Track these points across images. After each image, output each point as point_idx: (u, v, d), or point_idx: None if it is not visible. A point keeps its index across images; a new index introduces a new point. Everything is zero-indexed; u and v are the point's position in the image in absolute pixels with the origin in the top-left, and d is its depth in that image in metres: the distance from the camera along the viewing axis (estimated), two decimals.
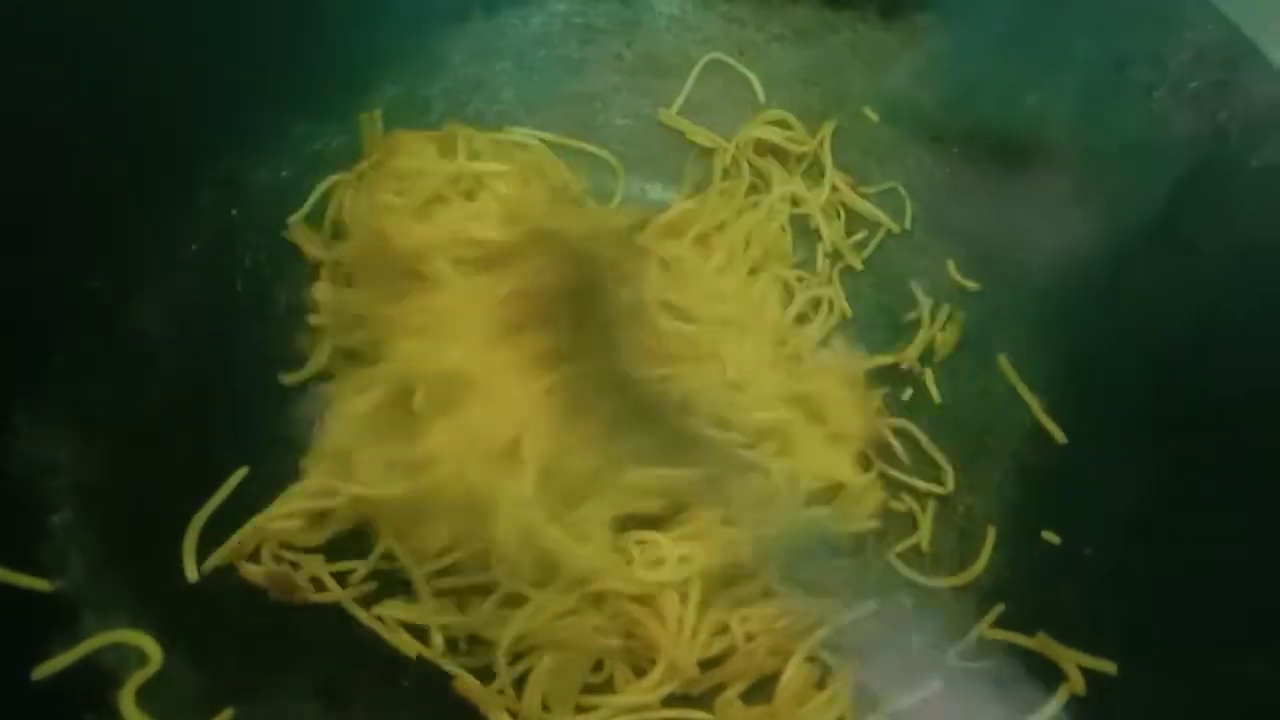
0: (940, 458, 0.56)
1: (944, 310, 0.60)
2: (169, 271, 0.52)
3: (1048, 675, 0.45)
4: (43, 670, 0.37)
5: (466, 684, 0.44)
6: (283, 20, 0.54)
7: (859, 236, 0.63)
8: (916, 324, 0.60)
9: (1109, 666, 0.44)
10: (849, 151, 0.64)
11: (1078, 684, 0.44)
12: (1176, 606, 0.45)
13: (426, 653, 0.45)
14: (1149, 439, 0.50)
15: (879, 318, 0.62)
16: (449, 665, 0.45)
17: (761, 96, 0.66)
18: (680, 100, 0.66)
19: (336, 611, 0.46)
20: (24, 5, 0.45)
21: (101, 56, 0.48)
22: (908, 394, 0.59)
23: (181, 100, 0.51)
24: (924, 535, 0.54)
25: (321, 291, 0.54)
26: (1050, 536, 0.51)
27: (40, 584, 0.40)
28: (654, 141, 0.65)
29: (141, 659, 0.40)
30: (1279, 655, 0.42)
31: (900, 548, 0.54)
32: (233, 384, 0.51)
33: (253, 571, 0.45)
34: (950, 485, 0.55)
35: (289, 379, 0.52)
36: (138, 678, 0.39)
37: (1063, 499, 0.52)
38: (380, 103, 0.59)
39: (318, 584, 0.46)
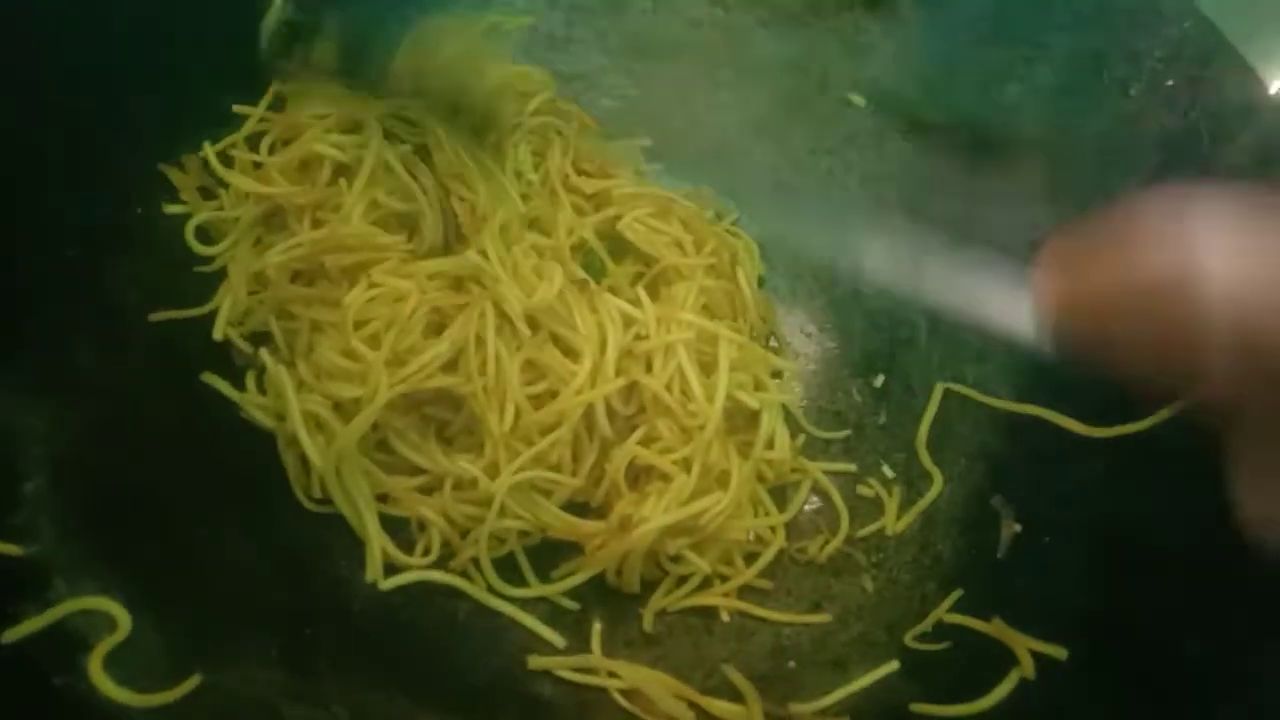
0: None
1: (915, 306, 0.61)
2: (145, 240, 0.52)
3: (1002, 659, 0.46)
4: (13, 634, 0.38)
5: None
6: None
7: None
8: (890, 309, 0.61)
9: (1059, 652, 0.45)
10: (831, 138, 0.65)
11: (1028, 668, 0.45)
12: (1130, 595, 0.46)
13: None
14: (1110, 428, 0.51)
15: (854, 305, 0.63)
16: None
17: None
18: None
19: (299, 579, 0.47)
20: None
21: (75, 23, 0.48)
22: (879, 380, 0.60)
23: (161, 71, 0.51)
24: (889, 519, 0.55)
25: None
26: (1010, 525, 0.52)
27: (11, 549, 0.40)
28: (639, 122, 0.65)
29: (110, 625, 0.40)
30: (1226, 643, 0.43)
31: (866, 531, 0.55)
32: (208, 350, 0.51)
33: None
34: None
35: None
36: (107, 643, 0.39)
37: (1023, 487, 0.53)
38: None
39: None
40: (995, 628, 0.47)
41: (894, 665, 0.49)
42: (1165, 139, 0.53)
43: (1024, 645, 0.46)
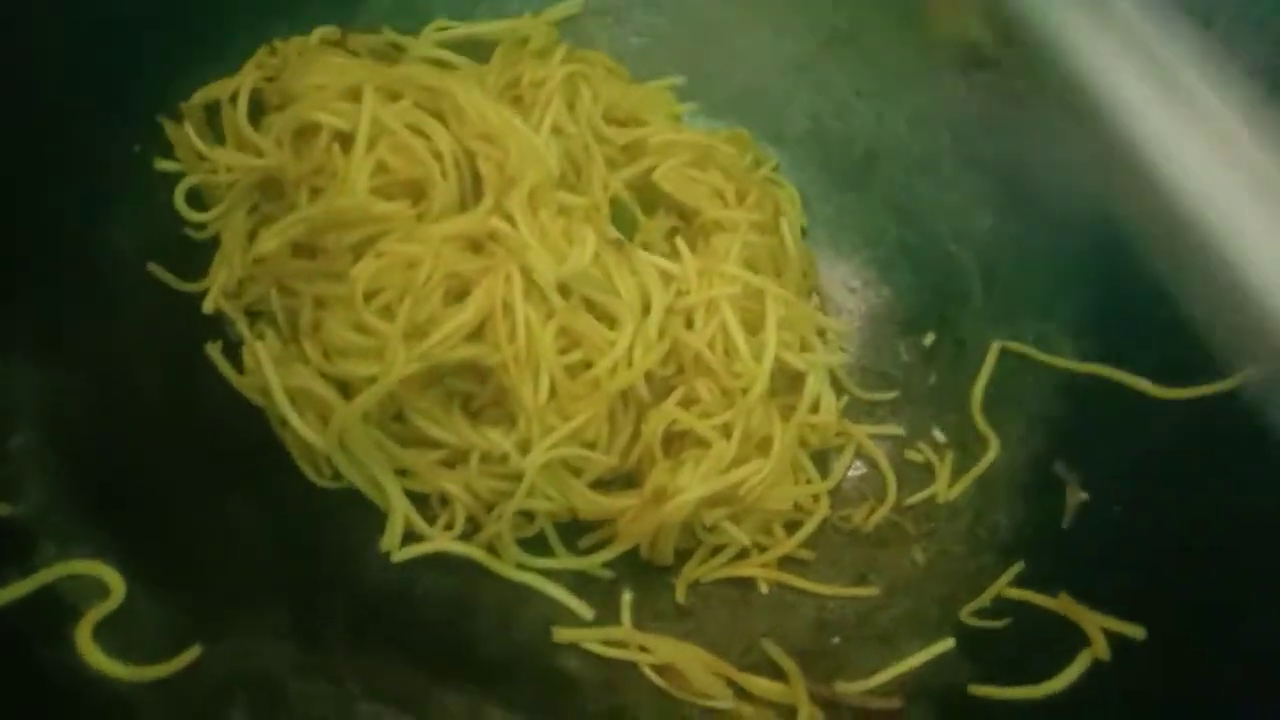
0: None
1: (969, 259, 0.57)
2: (141, 194, 0.49)
3: (1070, 638, 0.43)
4: None
5: None
6: None
7: None
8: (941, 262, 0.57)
9: (1136, 631, 0.41)
10: (876, 76, 0.60)
11: (1101, 648, 0.42)
12: (1204, 567, 0.42)
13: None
14: (1185, 389, 0.47)
15: (902, 258, 0.59)
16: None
17: None
18: None
19: (310, 548, 0.44)
20: None
21: None
22: (929, 338, 0.56)
23: (156, 13, 0.48)
24: (941, 485, 0.51)
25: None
26: (1076, 492, 0.48)
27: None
28: (670, 59, 0.61)
29: (103, 591, 0.37)
30: None
31: (916, 499, 0.51)
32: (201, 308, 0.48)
33: None
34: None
35: None
36: (98, 611, 0.37)
37: (1090, 452, 0.49)
38: (375, 9, 0.55)
39: None
40: (1062, 604, 0.44)
41: (949, 643, 0.45)
42: (1251, 72, 0.48)
43: (1095, 623, 0.42)
